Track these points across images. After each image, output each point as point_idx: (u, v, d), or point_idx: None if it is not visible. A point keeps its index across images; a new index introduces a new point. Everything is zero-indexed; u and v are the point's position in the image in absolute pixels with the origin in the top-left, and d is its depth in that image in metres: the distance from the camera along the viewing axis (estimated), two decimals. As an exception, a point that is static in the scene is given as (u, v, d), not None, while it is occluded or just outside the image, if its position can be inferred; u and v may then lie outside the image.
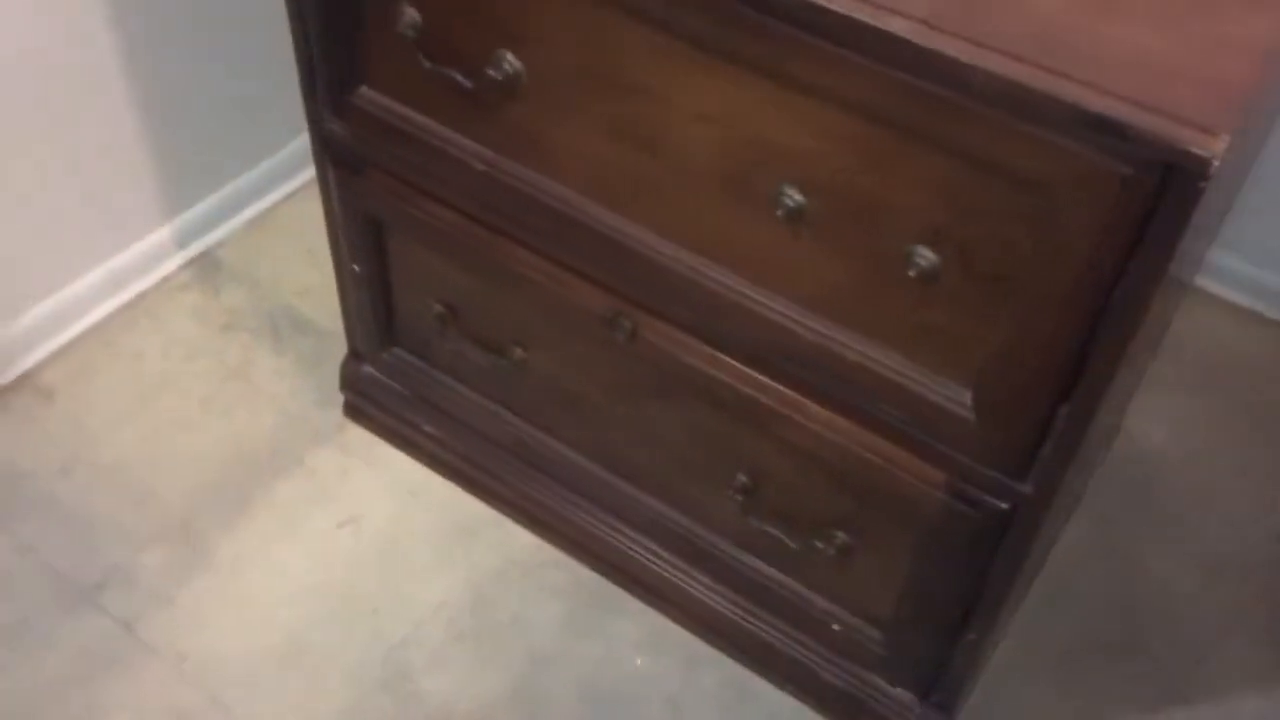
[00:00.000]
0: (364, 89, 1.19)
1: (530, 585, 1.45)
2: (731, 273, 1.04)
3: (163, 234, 1.73)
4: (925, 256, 0.90)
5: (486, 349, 1.34)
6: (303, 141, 1.88)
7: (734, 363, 1.10)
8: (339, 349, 1.66)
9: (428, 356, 1.44)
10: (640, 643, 1.41)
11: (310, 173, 1.90)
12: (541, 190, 1.12)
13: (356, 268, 1.38)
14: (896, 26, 0.79)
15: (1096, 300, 0.85)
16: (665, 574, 1.37)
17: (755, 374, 1.10)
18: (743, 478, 1.21)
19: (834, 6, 0.81)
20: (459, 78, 1.08)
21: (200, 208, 1.76)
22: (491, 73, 1.06)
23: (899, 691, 1.26)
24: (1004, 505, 1.01)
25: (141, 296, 1.71)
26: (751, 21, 0.86)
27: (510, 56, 1.04)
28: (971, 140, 0.82)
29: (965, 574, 1.09)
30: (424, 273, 1.34)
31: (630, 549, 1.38)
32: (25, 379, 1.61)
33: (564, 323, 1.23)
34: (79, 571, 1.42)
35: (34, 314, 1.61)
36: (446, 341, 1.38)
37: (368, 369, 1.52)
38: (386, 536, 1.49)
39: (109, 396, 1.60)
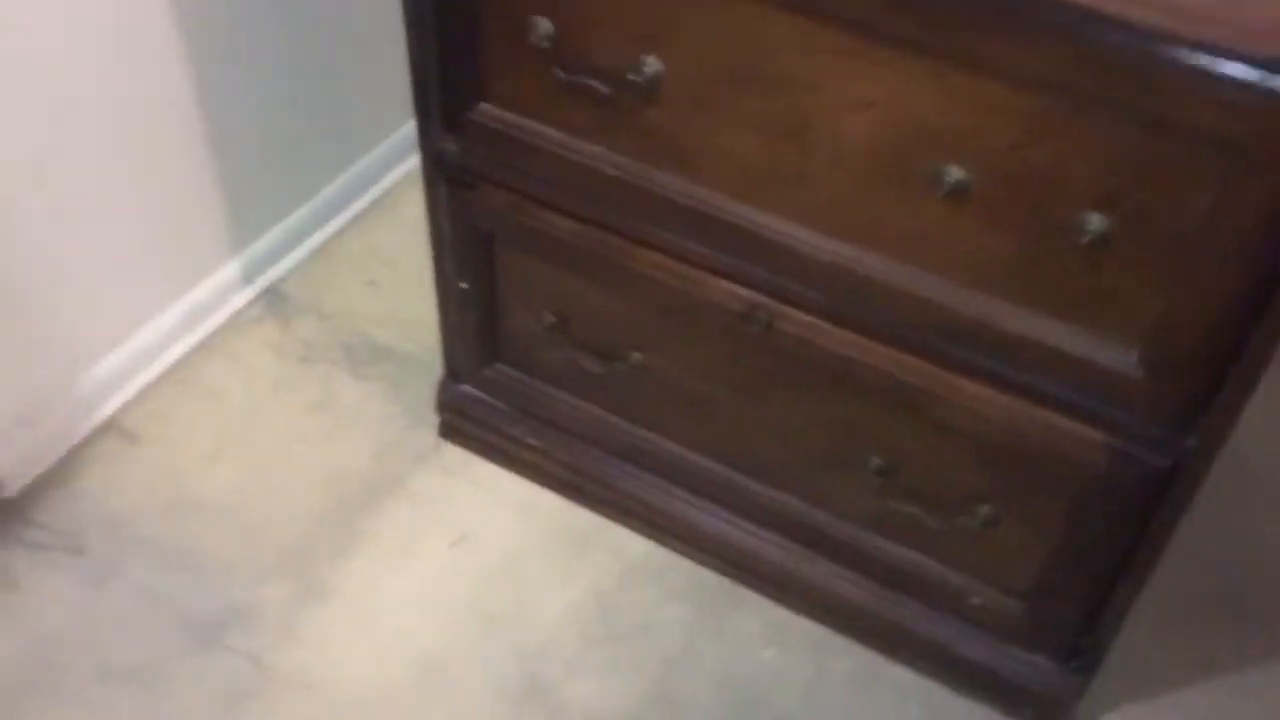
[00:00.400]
0: (483, 105, 1.20)
1: (650, 588, 1.46)
2: (883, 255, 1.06)
3: (231, 269, 1.72)
4: (1097, 222, 0.94)
5: (601, 355, 1.35)
6: (355, 172, 1.89)
7: (880, 346, 1.13)
8: (419, 372, 1.67)
9: (532, 369, 1.45)
10: (766, 636, 1.42)
11: (362, 204, 1.93)
12: (678, 190, 1.14)
13: (464, 285, 1.39)
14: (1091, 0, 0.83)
15: (1275, 256, 0.88)
16: (788, 565, 1.39)
17: (903, 355, 1.12)
18: (877, 460, 1.23)
19: (1019, -15, 0.84)
20: (596, 85, 1.10)
21: (264, 241, 1.76)
22: (632, 77, 1.08)
23: (1038, 658, 1.29)
24: (1167, 461, 1.04)
25: (215, 333, 1.70)
26: (924, 4, 0.90)
27: (651, 59, 1.07)
28: (1155, 105, 0.86)
29: (1121, 534, 1.12)
30: (535, 284, 1.35)
31: (750, 544, 1.40)
32: (109, 424, 1.60)
33: (691, 321, 1.25)
34: (200, 610, 1.41)
35: (112, 357, 1.60)
36: (556, 351, 1.39)
37: (466, 388, 1.52)
38: (500, 551, 1.49)
39: (197, 435, 1.59)
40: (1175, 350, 0.97)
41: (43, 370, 1.52)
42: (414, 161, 2.01)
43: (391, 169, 1.96)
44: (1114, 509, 1.10)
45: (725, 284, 1.18)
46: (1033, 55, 0.88)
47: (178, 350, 1.67)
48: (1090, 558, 1.16)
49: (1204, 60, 0.82)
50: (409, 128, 1.98)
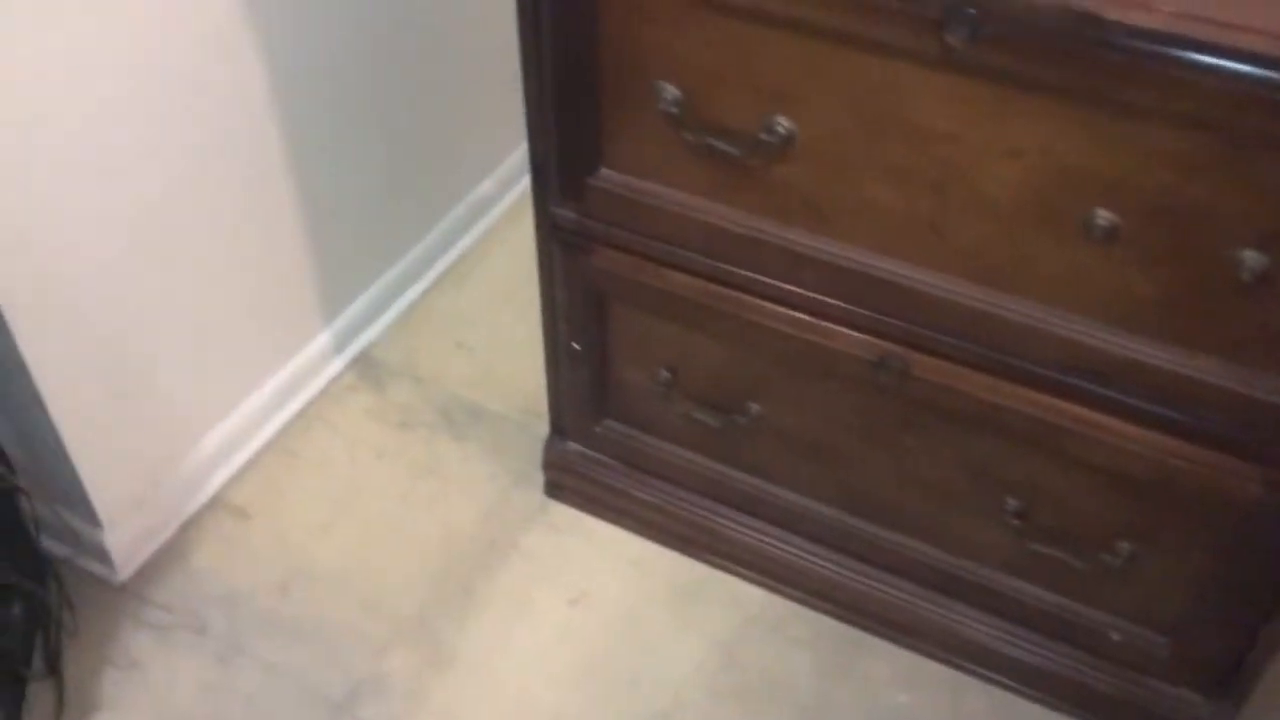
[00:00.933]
0: (603, 171, 1.22)
1: (775, 639, 1.45)
2: (1028, 300, 1.07)
3: (324, 338, 1.73)
4: (1255, 259, 0.94)
5: (717, 409, 1.36)
6: (437, 234, 1.91)
7: (1022, 389, 1.13)
8: (516, 432, 1.68)
9: (642, 424, 1.46)
10: (898, 680, 1.42)
11: (443, 265, 1.94)
12: (809, 244, 1.15)
13: (577, 346, 1.39)
14: (1254, 43, 0.84)
15: None
16: (916, 610, 1.38)
17: (1047, 397, 1.12)
18: (1014, 502, 1.23)
19: (1182, 31, 0.85)
20: (725, 147, 1.11)
21: (354, 308, 1.77)
22: (764, 137, 1.09)
23: (1182, 692, 1.28)
24: (1326, 492, 1.04)
25: (313, 403, 1.71)
26: (1078, 54, 0.91)
27: (783, 119, 1.08)
28: (1319, 142, 0.87)
29: (1274, 566, 1.12)
30: (649, 341, 1.36)
31: (875, 589, 1.40)
32: (216, 501, 1.60)
33: (818, 372, 1.25)
34: (328, 684, 1.40)
35: (215, 435, 1.60)
36: (668, 406, 1.40)
37: (574, 445, 1.53)
38: (620, 608, 1.49)
39: (306, 507, 1.59)
40: (1337, 381, 0.98)
41: (150, 451, 1.52)
42: (488, 221, 2.04)
43: (469, 230, 1.98)
44: (1268, 541, 1.10)
45: (857, 334, 1.19)
46: (1190, 98, 0.89)
47: (278, 423, 1.68)
48: (1240, 589, 1.16)
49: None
50: (483, 187, 2.02)
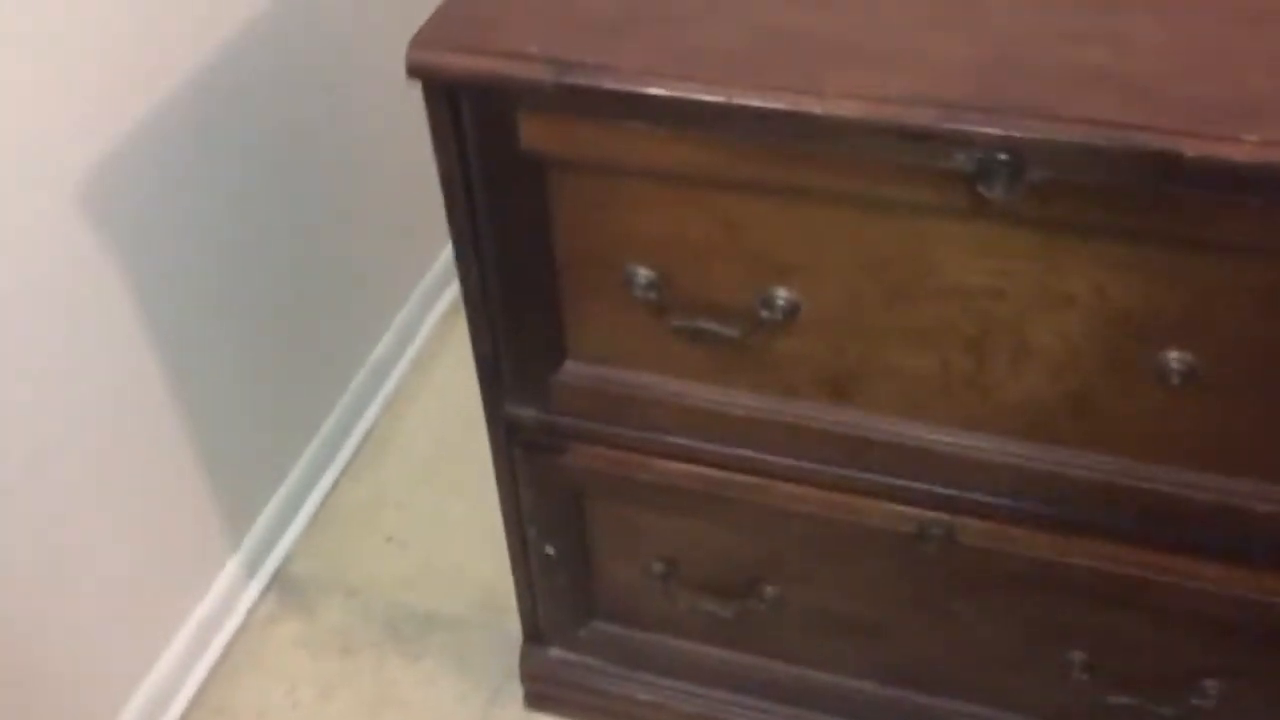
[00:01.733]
0: (569, 364, 1.05)
1: (822, 832, 1.30)
2: (1094, 453, 0.94)
3: (233, 565, 1.50)
4: (1356, 386, 0.84)
5: (727, 597, 1.19)
6: (337, 417, 1.70)
7: (1086, 542, 1.00)
8: (479, 636, 1.48)
9: (637, 621, 1.28)
10: None
11: (350, 448, 1.73)
12: (826, 419, 1.00)
13: (551, 551, 1.21)
14: (1357, 165, 0.73)
15: None
16: (980, 775, 1.25)
17: (1116, 548, 0.99)
18: (1080, 655, 1.10)
19: (1275, 159, 0.74)
20: (719, 329, 0.96)
21: (260, 522, 1.55)
22: (764, 314, 0.94)
23: (1285, 820, 1.18)
24: None
25: (234, 644, 1.48)
26: (1152, 197, 0.78)
27: (783, 291, 0.93)
28: None
29: (1384, 687, 1.02)
30: (639, 535, 1.18)
31: (932, 760, 1.26)
32: (142, 786, 1.36)
33: (846, 548, 1.10)
34: None
35: (132, 707, 1.36)
36: (667, 599, 1.23)
37: (556, 652, 1.34)
38: (643, 831, 1.31)
39: (249, 774, 1.37)
40: None
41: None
42: (391, 386, 1.83)
43: (371, 402, 1.77)
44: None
45: (889, 505, 1.04)
46: (1262, 227, 0.78)
47: (199, 676, 1.44)
48: (1347, 714, 1.06)
49: None
50: (377, 351, 1.82)
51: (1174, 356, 0.86)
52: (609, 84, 0.82)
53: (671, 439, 1.07)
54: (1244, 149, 0.73)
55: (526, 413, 1.10)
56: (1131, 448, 0.93)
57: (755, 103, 0.80)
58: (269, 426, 1.56)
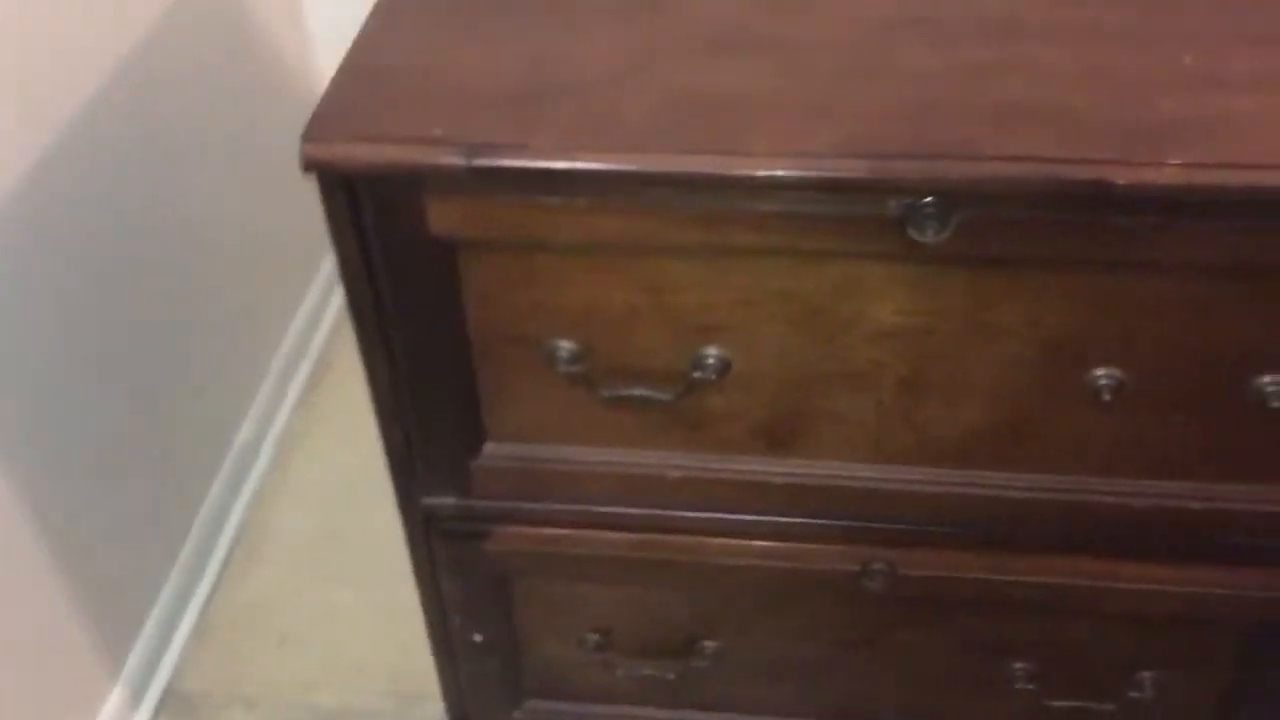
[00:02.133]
0: (489, 446, 0.99)
1: None
2: (1030, 473, 0.95)
3: (117, 695, 1.38)
4: (1276, 383, 0.87)
5: (666, 658, 1.16)
6: (209, 509, 1.59)
7: (1030, 559, 1.01)
8: (395, 725, 1.41)
9: (572, 694, 1.23)
10: None
11: (223, 550, 1.62)
12: (764, 471, 0.98)
13: (478, 638, 1.16)
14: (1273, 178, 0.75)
15: None
16: (932, 795, 1.25)
17: (1057, 561, 1.01)
18: (1023, 667, 1.12)
19: (1199, 181, 0.75)
20: (650, 395, 0.92)
21: (141, 641, 1.43)
22: (695, 374, 0.91)
23: (1219, 792, 1.22)
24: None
25: (131, 783, 1.36)
26: (1081, 225, 0.79)
27: (714, 350, 0.90)
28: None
29: (1306, 656, 1.07)
30: (571, 609, 1.14)
31: (884, 788, 1.25)
32: None
33: (789, 595, 1.09)
34: None
35: None
36: (602, 669, 1.19)
37: (488, 737, 1.28)
38: None
39: None
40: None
41: None
42: (259, 472, 1.72)
43: (238, 493, 1.67)
44: (1303, 637, 1.05)
45: (830, 548, 1.03)
46: (1200, 246, 0.79)
47: (93, 826, 1.32)
48: (1273, 699, 1.10)
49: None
50: (241, 435, 1.71)
51: (1102, 374, 0.88)
52: (525, 162, 0.78)
53: (603, 508, 1.03)
54: (1168, 172, 0.75)
55: (444, 501, 1.04)
56: (1067, 464, 0.94)
57: (681, 168, 0.77)
58: (134, 539, 1.44)
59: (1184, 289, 0.83)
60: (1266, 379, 0.86)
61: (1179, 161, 0.75)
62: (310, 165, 0.80)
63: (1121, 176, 0.75)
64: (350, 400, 1.82)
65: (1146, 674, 1.11)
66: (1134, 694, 1.11)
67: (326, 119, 0.81)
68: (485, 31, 0.89)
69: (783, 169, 0.76)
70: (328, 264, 1.97)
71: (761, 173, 0.76)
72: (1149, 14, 0.88)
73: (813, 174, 0.76)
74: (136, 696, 1.42)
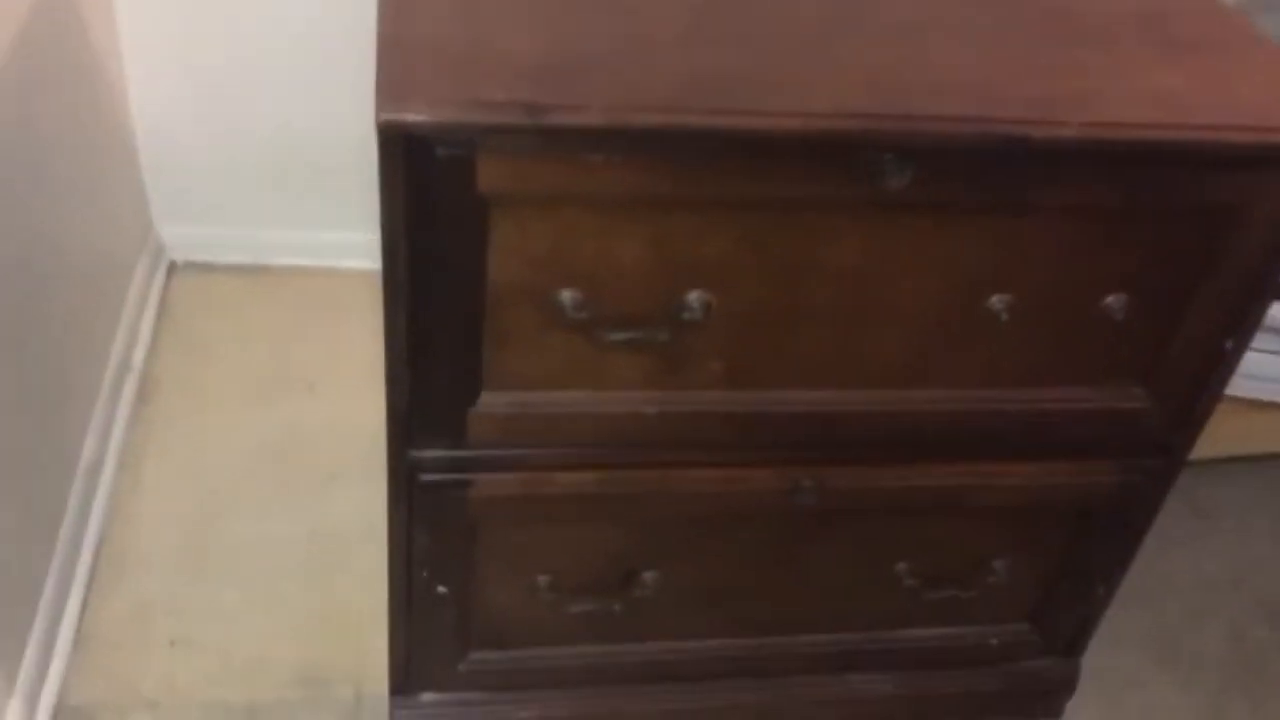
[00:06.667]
0: (485, 396, 1.09)
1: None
2: (940, 388, 1.17)
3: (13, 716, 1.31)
4: (1120, 302, 1.13)
5: (607, 594, 1.28)
6: (70, 521, 1.53)
7: (930, 467, 1.23)
8: (311, 713, 1.43)
9: (511, 641, 1.33)
10: (820, 770, 1.46)
11: (90, 552, 1.57)
12: (725, 402, 1.14)
13: (444, 589, 1.23)
14: (1150, 134, 1.01)
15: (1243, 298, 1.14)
16: (822, 695, 1.43)
17: (950, 466, 1.23)
18: (906, 565, 1.33)
19: (1091, 136, 1.00)
20: (649, 335, 1.06)
21: (26, 663, 1.36)
22: (685, 316, 1.06)
23: (1044, 662, 1.48)
24: (1161, 463, 1.28)
25: (41, 797, 1.30)
26: (1002, 173, 1.01)
27: (699, 294, 1.06)
28: (1172, 194, 1.06)
29: (1116, 538, 1.35)
30: (526, 555, 1.24)
31: (789, 692, 1.42)
32: None
33: (728, 520, 1.24)
34: None
35: None
36: (546, 611, 1.29)
37: (429, 696, 1.34)
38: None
39: None
40: (1170, 378, 1.20)
41: None
42: (108, 479, 1.67)
43: (92, 503, 1.62)
44: (1120, 517, 1.32)
45: (770, 471, 1.21)
46: (1085, 191, 1.04)
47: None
48: (1092, 563, 1.38)
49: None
50: (87, 448, 1.65)
51: (997, 299, 1.11)
52: (586, 120, 0.92)
53: (581, 449, 1.15)
54: (1072, 129, 0.99)
55: (432, 454, 1.13)
56: (965, 380, 1.17)
57: (720, 125, 0.93)
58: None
59: (1062, 227, 1.08)
60: (1111, 299, 1.13)
61: (1079, 121, 0.99)
62: (387, 128, 0.89)
63: (1036, 132, 0.98)
64: (188, 414, 1.81)
65: (999, 561, 1.36)
66: (990, 579, 1.36)
67: (395, 85, 0.91)
68: (497, 13, 1.02)
69: (794, 125, 0.94)
70: (140, 270, 1.94)
71: (782, 125, 0.94)
72: (1010, 19, 1.14)
73: (817, 130, 0.95)
74: (28, 715, 1.36)
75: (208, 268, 2.05)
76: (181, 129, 1.95)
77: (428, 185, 0.95)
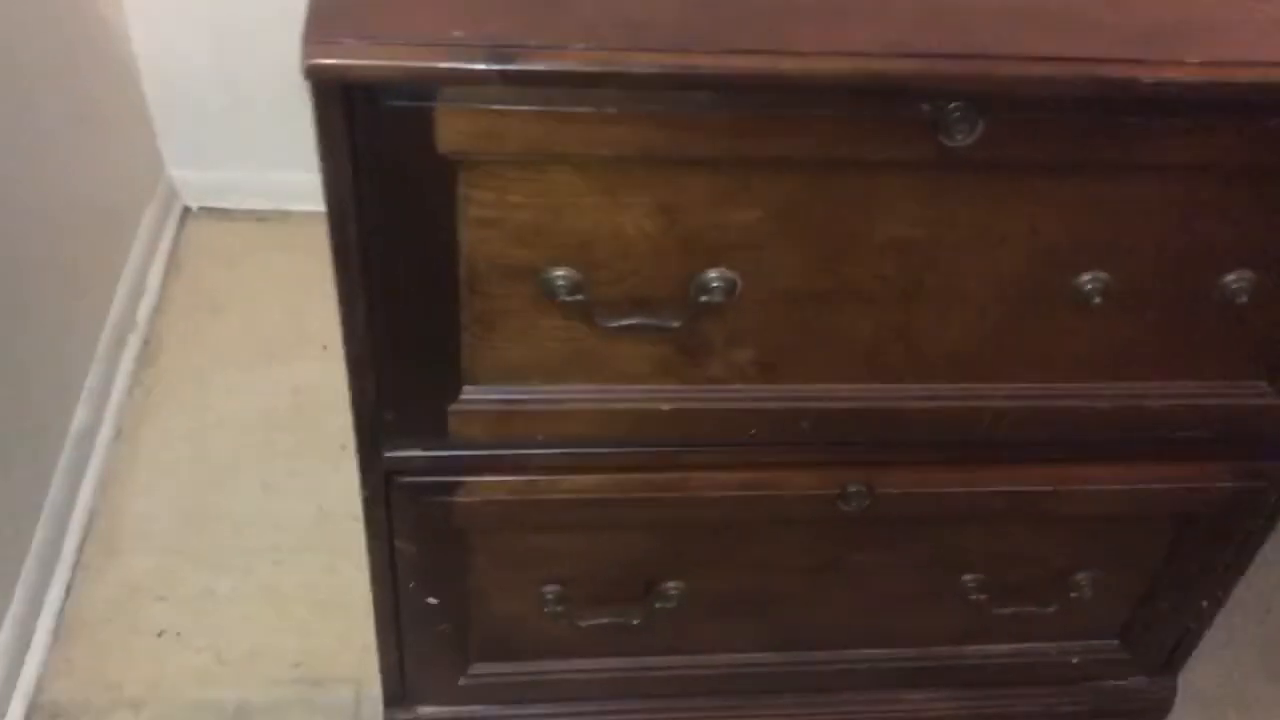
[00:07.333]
0: (469, 390, 0.93)
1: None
2: (1011, 383, 0.97)
3: (-16, 713, 1.21)
4: (1241, 281, 0.92)
5: (628, 605, 1.13)
6: (54, 499, 1.42)
7: (996, 469, 1.04)
8: (305, 715, 1.30)
9: (520, 653, 1.18)
10: (871, 795, 1.30)
11: (74, 542, 1.44)
12: (756, 396, 0.95)
13: (434, 600, 1.08)
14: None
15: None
16: (882, 713, 1.27)
17: (1024, 469, 1.04)
18: (972, 578, 1.15)
19: (1214, 78, 0.78)
20: (655, 322, 0.88)
21: (1, 645, 1.25)
22: (702, 299, 0.88)
23: (1133, 681, 1.30)
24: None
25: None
26: (1098, 127, 0.81)
27: (720, 272, 0.87)
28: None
29: (1226, 549, 1.15)
30: (530, 562, 1.09)
31: (835, 713, 1.26)
32: None
33: (763, 525, 1.07)
34: None
35: None
36: (556, 622, 1.13)
37: (427, 710, 1.20)
38: None
39: None
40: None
41: None
42: (102, 450, 1.56)
43: (83, 474, 1.50)
44: (1232, 526, 1.12)
45: (811, 474, 1.03)
46: (1198, 146, 0.82)
47: None
48: (1194, 577, 1.18)
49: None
50: (78, 418, 1.53)
51: (1089, 278, 0.91)
52: (563, 65, 0.73)
53: (585, 449, 0.98)
54: (1188, 70, 0.78)
55: (411, 454, 0.97)
56: (1043, 371, 0.97)
57: (731, 69, 0.74)
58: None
59: (1169, 191, 0.87)
60: (1231, 277, 0.92)
61: (1197, 61, 0.78)
62: (313, 73, 0.72)
63: (1145, 74, 0.77)
64: (192, 376, 1.68)
65: (1084, 575, 1.17)
66: (1073, 594, 1.17)
67: (327, 19, 0.73)
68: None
69: (833, 68, 0.74)
70: (148, 218, 1.80)
71: (812, 70, 0.74)
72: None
73: (863, 74, 0.75)
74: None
75: (224, 214, 1.91)
76: (192, 64, 1.80)
77: (377, 145, 0.77)
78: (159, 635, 1.36)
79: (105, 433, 1.56)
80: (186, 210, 1.92)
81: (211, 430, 1.60)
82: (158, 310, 1.75)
